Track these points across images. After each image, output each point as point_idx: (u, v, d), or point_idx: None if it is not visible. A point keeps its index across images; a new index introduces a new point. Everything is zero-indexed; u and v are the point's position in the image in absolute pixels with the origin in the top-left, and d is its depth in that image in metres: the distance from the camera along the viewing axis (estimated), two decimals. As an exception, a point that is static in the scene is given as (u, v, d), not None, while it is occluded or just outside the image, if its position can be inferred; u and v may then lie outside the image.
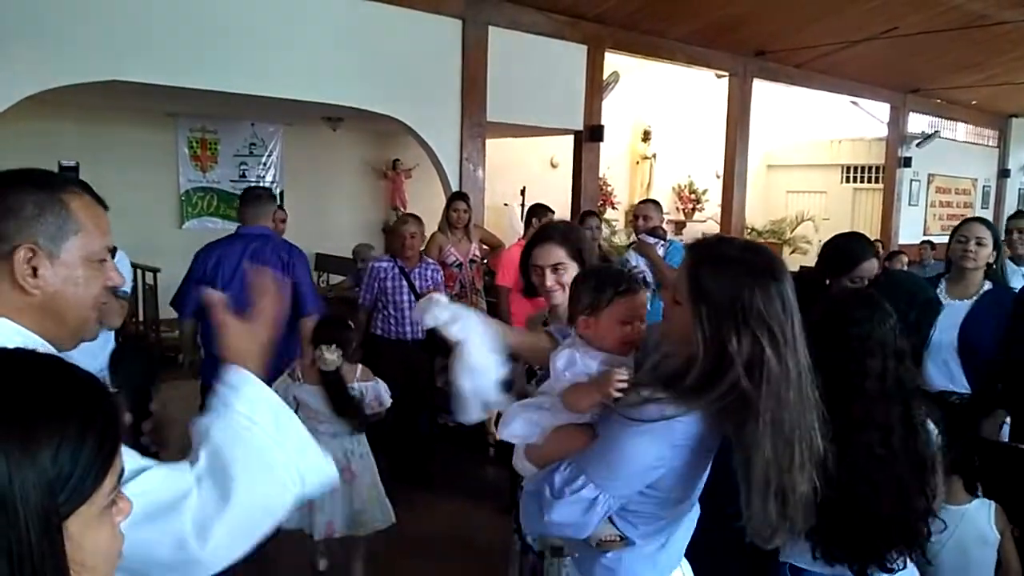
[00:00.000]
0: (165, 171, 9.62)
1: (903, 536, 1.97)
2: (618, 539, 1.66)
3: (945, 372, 3.44)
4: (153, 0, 5.64)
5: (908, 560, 2.02)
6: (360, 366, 3.85)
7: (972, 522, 2.72)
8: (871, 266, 3.12)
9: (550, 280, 2.46)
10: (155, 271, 7.78)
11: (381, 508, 3.76)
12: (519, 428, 1.74)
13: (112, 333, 3.63)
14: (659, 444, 1.53)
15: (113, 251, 3.85)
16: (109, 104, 8.45)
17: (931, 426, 2.04)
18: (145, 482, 1.15)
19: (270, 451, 1.32)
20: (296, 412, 3.65)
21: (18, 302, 1.26)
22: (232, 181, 9.90)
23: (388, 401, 3.78)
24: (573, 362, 1.70)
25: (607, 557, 1.69)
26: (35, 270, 1.26)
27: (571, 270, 2.45)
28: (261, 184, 10.24)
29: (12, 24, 5.09)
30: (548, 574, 1.93)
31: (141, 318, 8.30)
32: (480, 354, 1.69)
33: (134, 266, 5.05)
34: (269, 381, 4.09)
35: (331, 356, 3.59)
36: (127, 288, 3.75)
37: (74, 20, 5.32)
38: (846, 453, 1.88)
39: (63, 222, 1.28)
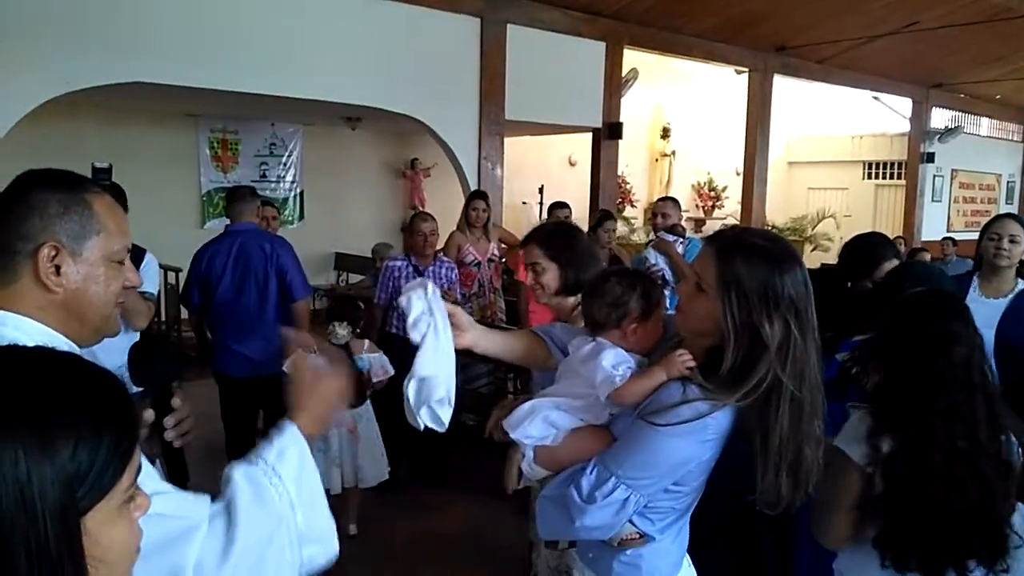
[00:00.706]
0: (186, 172, 9.71)
1: (986, 541, 1.85)
2: (638, 536, 1.66)
3: None
4: (174, 2, 5.69)
5: (989, 570, 1.89)
6: (367, 341, 4.29)
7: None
8: (892, 266, 3.08)
9: (530, 278, 2.56)
10: (177, 271, 7.83)
11: (376, 466, 4.22)
12: (536, 429, 1.72)
13: (138, 334, 3.67)
14: (691, 442, 1.55)
15: (142, 253, 3.87)
16: (131, 105, 8.54)
17: (1013, 438, 1.94)
18: (158, 507, 1.15)
19: (282, 511, 1.30)
20: None
21: (40, 300, 1.27)
22: (253, 181, 9.94)
23: (392, 371, 4.13)
24: (625, 359, 1.69)
25: (626, 554, 1.69)
26: (58, 268, 1.27)
27: (549, 271, 2.55)
28: (282, 184, 10.34)
29: (35, 27, 5.16)
30: (536, 566, 1.92)
31: (163, 317, 8.37)
32: (432, 364, 1.60)
33: (156, 266, 5.11)
34: (270, 361, 4.14)
35: (342, 331, 4.09)
36: (154, 290, 3.81)
37: (96, 22, 5.37)
38: (925, 451, 1.83)
39: (86, 221, 1.30)
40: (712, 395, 1.52)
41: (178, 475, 1.41)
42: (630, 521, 1.65)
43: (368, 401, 4.25)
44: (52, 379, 0.81)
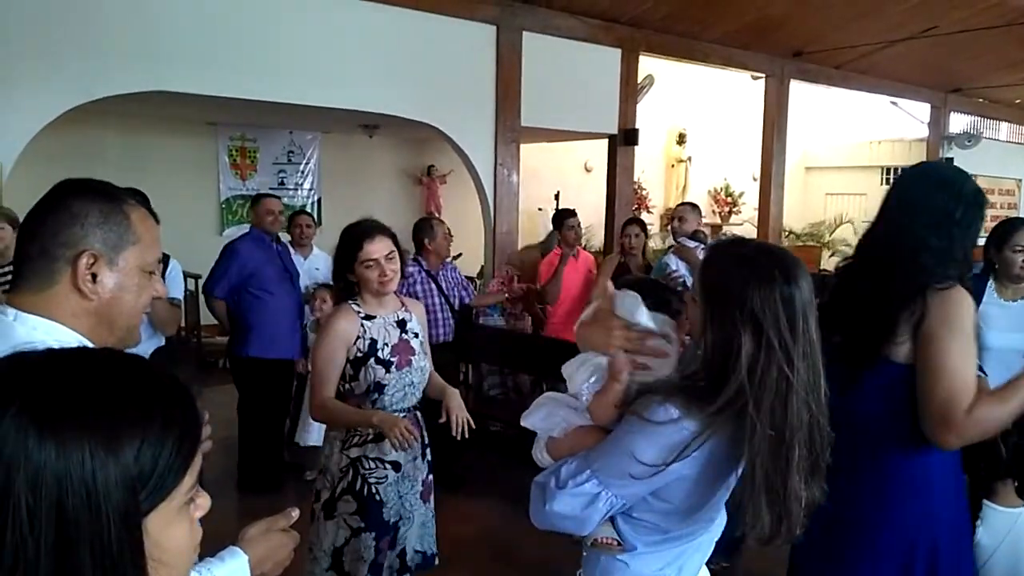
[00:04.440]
0: (206, 179, 9.80)
1: None
2: (615, 543, 1.64)
3: (1007, 376, 3.37)
4: (194, 13, 5.75)
5: None
6: None
7: None
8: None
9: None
10: (196, 277, 7.89)
11: None
12: (542, 420, 1.75)
13: (164, 339, 3.75)
14: (660, 446, 1.50)
15: (166, 259, 4.00)
16: (151, 113, 8.63)
17: None
18: None
19: None
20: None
21: (75, 306, 1.30)
22: (271, 189, 10.01)
23: None
24: (597, 372, 1.70)
25: (601, 563, 1.69)
26: (94, 276, 1.30)
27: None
28: (300, 191, 10.43)
29: (57, 38, 5.22)
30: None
31: (183, 323, 8.44)
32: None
33: (176, 272, 5.22)
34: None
35: None
36: (180, 295, 3.89)
37: (117, 33, 5.44)
38: None
39: (124, 231, 1.33)
40: (686, 407, 1.49)
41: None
42: (613, 526, 1.64)
43: None
44: (119, 380, 0.81)
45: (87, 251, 1.29)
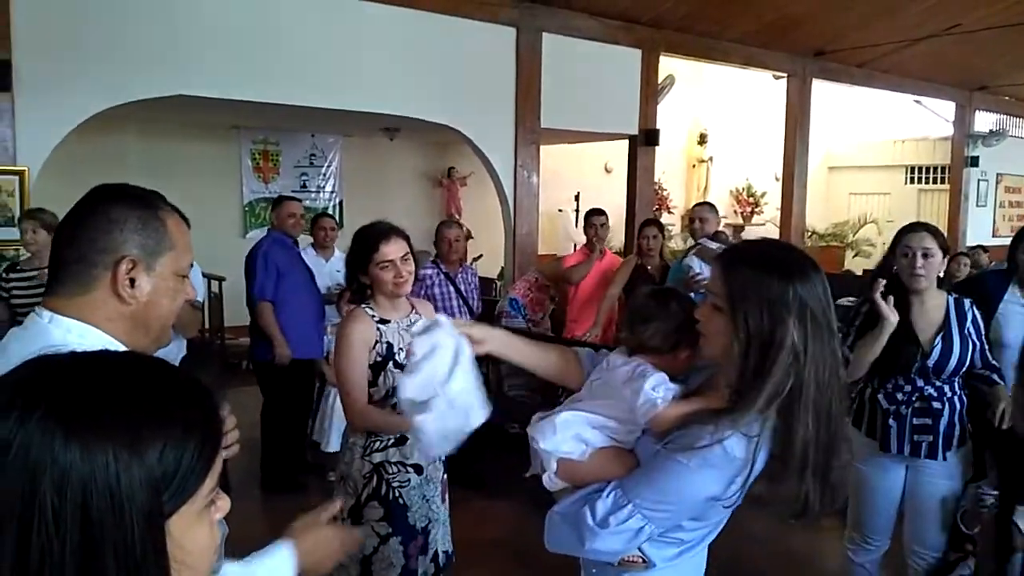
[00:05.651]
0: (229, 182, 9.89)
1: None
2: (640, 560, 1.63)
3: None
4: (216, 18, 5.82)
5: None
6: None
7: None
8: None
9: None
10: (220, 280, 7.97)
11: None
12: (567, 444, 1.67)
13: (185, 341, 3.80)
14: (713, 473, 1.50)
15: None
16: (175, 118, 8.73)
17: None
18: None
19: None
20: None
21: (112, 311, 1.33)
22: (293, 191, 10.06)
23: None
24: (666, 382, 1.65)
25: None
26: (132, 281, 1.33)
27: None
28: (321, 194, 10.50)
29: (83, 44, 5.31)
30: None
31: (207, 326, 8.51)
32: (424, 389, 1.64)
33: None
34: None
35: None
36: (201, 298, 3.94)
37: (141, 38, 5.52)
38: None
39: (160, 238, 1.36)
40: (733, 419, 1.47)
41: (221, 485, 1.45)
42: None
43: None
44: (143, 383, 0.82)
45: (126, 257, 1.32)
